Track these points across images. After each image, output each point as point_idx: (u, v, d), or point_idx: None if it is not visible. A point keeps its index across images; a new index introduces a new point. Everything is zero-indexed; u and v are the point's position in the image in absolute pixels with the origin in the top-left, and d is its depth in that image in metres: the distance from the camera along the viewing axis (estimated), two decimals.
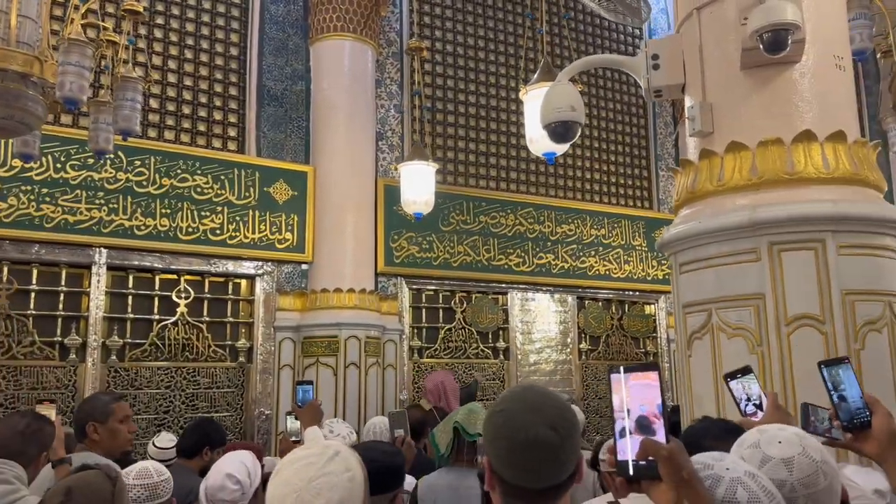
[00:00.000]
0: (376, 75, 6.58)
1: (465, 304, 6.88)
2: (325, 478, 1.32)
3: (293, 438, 3.45)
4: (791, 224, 2.45)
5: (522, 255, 7.14)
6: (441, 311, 6.79)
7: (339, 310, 5.82)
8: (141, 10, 3.80)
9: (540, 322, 7.30)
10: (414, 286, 6.66)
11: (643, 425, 1.11)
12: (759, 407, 1.84)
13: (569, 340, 7.42)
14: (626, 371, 1.16)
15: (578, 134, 3.10)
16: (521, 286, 7.17)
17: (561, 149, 4.02)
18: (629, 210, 7.92)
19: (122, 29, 4.03)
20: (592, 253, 7.53)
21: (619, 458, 1.12)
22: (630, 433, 1.12)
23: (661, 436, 1.09)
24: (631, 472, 1.10)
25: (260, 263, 5.89)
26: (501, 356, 7.00)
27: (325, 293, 5.87)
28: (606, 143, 7.97)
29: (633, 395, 1.14)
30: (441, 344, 6.71)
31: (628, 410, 1.14)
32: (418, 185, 5.31)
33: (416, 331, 6.64)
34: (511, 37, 7.40)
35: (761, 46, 2.41)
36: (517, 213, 7.18)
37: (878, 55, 5.02)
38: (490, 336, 7.00)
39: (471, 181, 7.12)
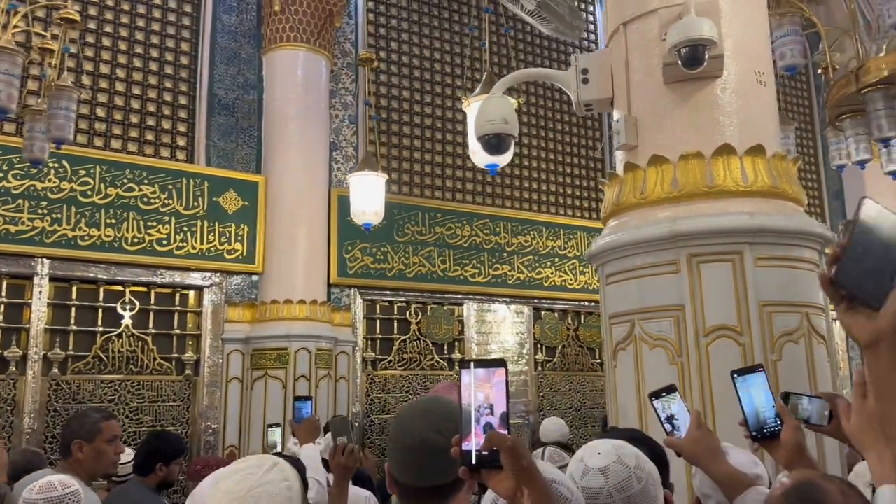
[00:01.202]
0: (331, 86, 6.56)
1: (420, 316, 6.87)
2: (263, 487, 1.36)
3: (274, 451, 3.46)
4: (709, 236, 2.48)
5: (478, 266, 7.15)
6: (396, 322, 6.76)
7: (289, 321, 5.76)
8: (77, 17, 3.74)
9: (496, 333, 7.30)
10: (368, 297, 6.62)
11: (504, 420, 1.15)
12: (675, 427, 1.85)
13: (525, 351, 7.43)
14: (477, 366, 1.19)
15: (512, 146, 3.12)
16: (477, 297, 7.17)
17: (503, 160, 4.03)
18: (585, 221, 7.99)
19: (68, 35, 3.96)
20: (548, 264, 7.57)
21: (464, 448, 1.16)
22: (493, 427, 1.15)
23: (503, 428, 1.15)
24: (474, 461, 1.14)
25: (208, 274, 5.82)
26: (457, 367, 6.98)
27: (276, 304, 5.81)
28: (562, 155, 8.03)
29: (497, 391, 1.18)
30: (396, 355, 6.68)
31: (491, 405, 1.17)
32: (368, 195, 5.29)
33: (370, 342, 6.60)
34: (467, 49, 7.43)
35: (679, 62, 2.45)
36: (473, 225, 7.19)
37: (819, 71, 5.14)
38: (445, 347, 6.98)
39: (426, 192, 7.12)
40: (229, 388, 5.75)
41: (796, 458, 1.49)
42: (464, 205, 7.27)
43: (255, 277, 6.01)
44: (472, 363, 1.19)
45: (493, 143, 3.04)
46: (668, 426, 1.86)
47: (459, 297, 7.09)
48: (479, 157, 4.01)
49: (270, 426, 4.00)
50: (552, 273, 7.58)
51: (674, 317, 2.50)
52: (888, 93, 3.92)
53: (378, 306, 6.70)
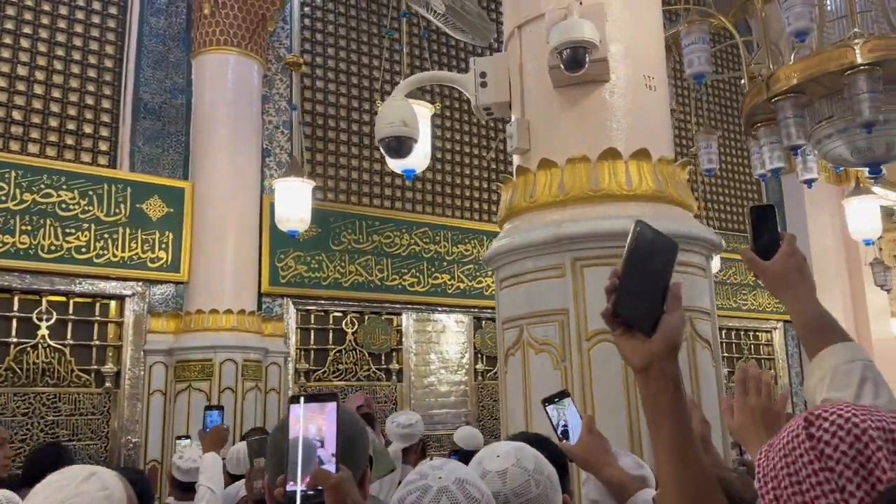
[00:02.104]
0: (264, 91, 6.46)
1: (356, 326, 6.76)
2: (78, 497, 1.27)
3: None
4: (592, 240, 2.46)
5: (417, 275, 7.08)
6: (331, 332, 6.65)
7: (215, 332, 5.61)
8: None
9: (435, 343, 7.23)
10: (302, 307, 6.51)
11: (335, 455, 1.11)
12: (565, 434, 1.82)
13: (465, 361, 7.38)
14: (308, 400, 1.15)
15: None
16: (416, 307, 7.10)
17: (420, 165, 3.98)
18: None
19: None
20: (489, 273, 7.52)
21: (289, 488, 1.10)
22: (322, 462, 1.11)
23: (332, 465, 1.10)
24: (298, 502, 1.08)
25: (130, 283, 5.64)
26: (394, 378, 6.89)
27: (201, 314, 5.66)
28: (504, 164, 8.02)
29: (328, 424, 1.14)
30: (330, 366, 6.57)
31: (323, 440, 1.13)
32: (294, 202, 5.19)
33: (303, 353, 6.47)
34: (395, 54, 7.34)
35: (561, 64, 2.43)
36: (412, 233, 7.13)
37: (742, 81, 5.21)
38: (383, 358, 6.89)
39: (364, 200, 7.04)
40: (151, 401, 5.58)
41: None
42: (403, 213, 7.20)
43: (180, 286, 5.85)
44: (301, 398, 1.15)
45: (393, 146, 2.99)
46: (560, 431, 1.84)
47: (398, 306, 7.01)
48: (395, 161, 3.94)
49: (178, 438, 3.96)
50: (493, 282, 7.52)
51: (558, 321, 2.47)
52: (797, 101, 3.97)
53: (312, 316, 6.59)
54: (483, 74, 2.92)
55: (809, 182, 4.48)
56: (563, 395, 1.88)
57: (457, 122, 7.63)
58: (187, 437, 3.74)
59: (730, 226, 9.34)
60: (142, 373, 5.59)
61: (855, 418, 0.71)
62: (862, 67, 3.59)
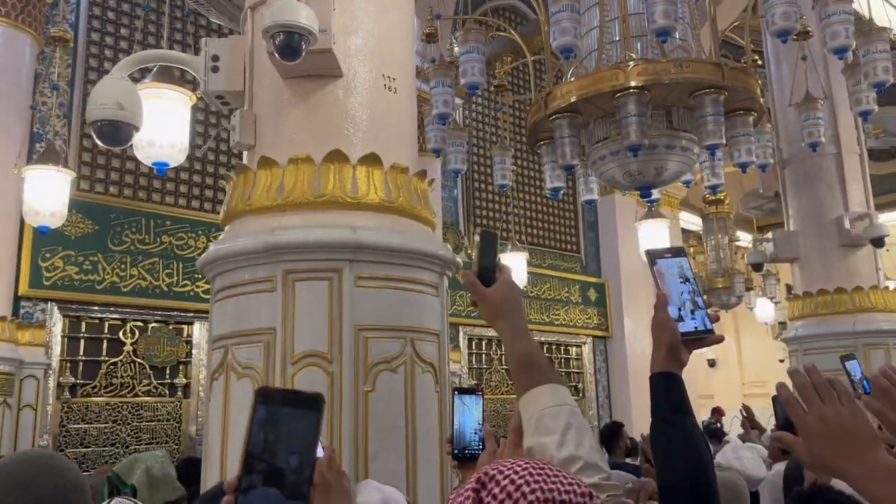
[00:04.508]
0: (39, 69, 5.72)
1: (137, 335, 6.12)
2: None
3: None
4: (307, 251, 2.20)
5: None
6: (105, 342, 5.96)
7: None
8: None
9: None
10: (70, 313, 5.78)
11: None
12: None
13: None
14: None
15: (132, 138, 2.66)
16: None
17: (174, 158, 3.56)
18: None
19: None
20: None
21: None
22: None
23: None
24: None
25: None
26: (180, 393, 6.30)
27: None
28: None
29: None
30: (102, 380, 5.87)
31: None
32: (47, 193, 4.56)
33: (69, 365, 5.74)
34: (190, 37, 6.75)
35: (275, 51, 2.15)
36: (210, 236, 6.58)
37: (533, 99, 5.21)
38: (168, 371, 6.28)
39: (154, 196, 6.41)
40: None
41: None
42: (200, 213, 6.64)
43: None
44: None
45: (107, 131, 2.57)
46: None
47: (189, 315, 6.43)
48: (145, 152, 3.50)
49: None
50: None
51: (264, 342, 2.18)
52: (573, 121, 3.97)
53: (84, 324, 5.87)
54: (215, 58, 2.59)
55: (590, 202, 4.52)
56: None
57: None
58: None
59: (547, 243, 9.57)
60: None
61: (526, 486, 0.71)
62: (631, 90, 3.63)
